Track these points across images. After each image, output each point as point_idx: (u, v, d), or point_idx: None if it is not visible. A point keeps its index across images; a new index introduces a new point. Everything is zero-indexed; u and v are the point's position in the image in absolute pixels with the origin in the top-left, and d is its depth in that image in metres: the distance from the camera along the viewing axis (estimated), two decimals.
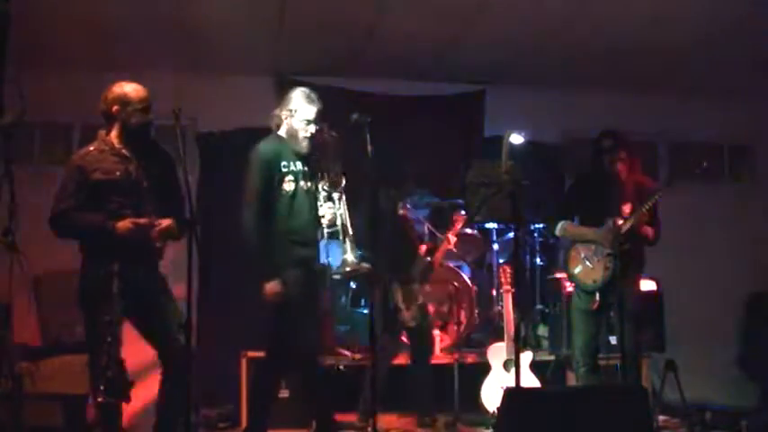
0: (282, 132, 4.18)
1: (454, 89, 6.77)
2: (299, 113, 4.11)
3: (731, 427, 5.01)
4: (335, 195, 4.06)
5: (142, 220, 3.62)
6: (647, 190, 4.47)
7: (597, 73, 6.47)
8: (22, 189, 3.78)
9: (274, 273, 3.98)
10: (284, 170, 4.07)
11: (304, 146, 4.13)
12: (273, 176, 4.05)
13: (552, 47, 5.93)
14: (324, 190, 4.09)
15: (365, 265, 4.07)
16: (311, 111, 4.11)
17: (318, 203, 4.10)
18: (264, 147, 4.14)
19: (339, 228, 4.01)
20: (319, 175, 4.12)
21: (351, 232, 4.00)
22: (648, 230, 4.41)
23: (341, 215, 4.03)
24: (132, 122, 3.71)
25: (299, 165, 4.12)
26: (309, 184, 4.13)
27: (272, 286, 3.97)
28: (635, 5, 5.19)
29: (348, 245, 3.99)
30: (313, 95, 4.15)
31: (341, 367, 5.27)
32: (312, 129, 4.11)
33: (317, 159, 4.13)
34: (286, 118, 4.15)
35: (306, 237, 4.10)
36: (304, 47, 5.93)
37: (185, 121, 5.71)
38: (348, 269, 4.01)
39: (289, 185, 4.06)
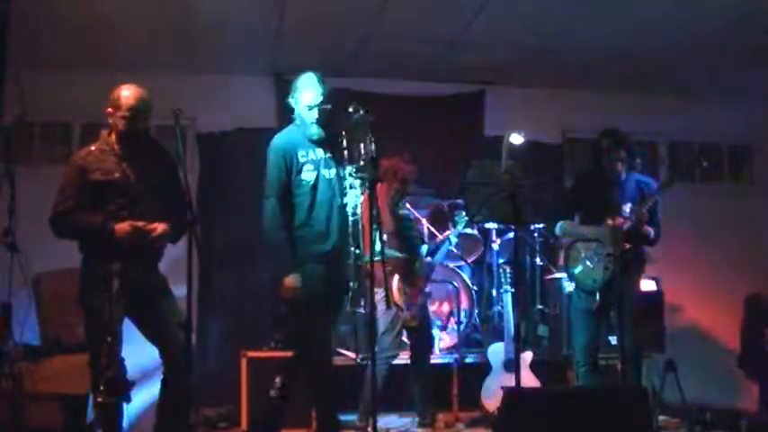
0: (297, 121, 4.07)
1: (454, 89, 6.78)
2: (301, 99, 3.98)
3: (731, 427, 5.00)
4: (358, 182, 3.87)
5: (140, 223, 3.61)
6: (647, 189, 4.47)
7: (597, 73, 6.48)
8: (22, 189, 3.80)
9: (294, 267, 3.86)
10: (302, 160, 3.94)
11: (314, 132, 3.96)
12: (291, 168, 3.92)
13: (552, 47, 5.93)
14: (351, 176, 3.90)
15: (399, 255, 3.97)
16: (312, 95, 3.95)
17: (345, 190, 3.93)
18: (278, 139, 4.02)
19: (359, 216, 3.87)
20: (345, 160, 3.93)
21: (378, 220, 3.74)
22: (649, 230, 4.41)
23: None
24: (120, 129, 3.71)
25: (320, 152, 3.98)
26: (333, 171, 3.98)
27: (290, 280, 3.85)
28: (635, 6, 5.18)
29: (375, 234, 3.80)
30: (315, 78, 3.97)
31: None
32: (316, 113, 3.94)
33: (340, 144, 3.93)
34: (293, 105, 4.03)
35: (329, 228, 3.95)
36: (304, 47, 5.93)
37: (185, 121, 5.73)
38: (376, 258, 3.82)
39: (309, 175, 3.93)
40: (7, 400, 4.02)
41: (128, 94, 3.69)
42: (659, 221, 4.50)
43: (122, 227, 3.58)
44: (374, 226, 3.73)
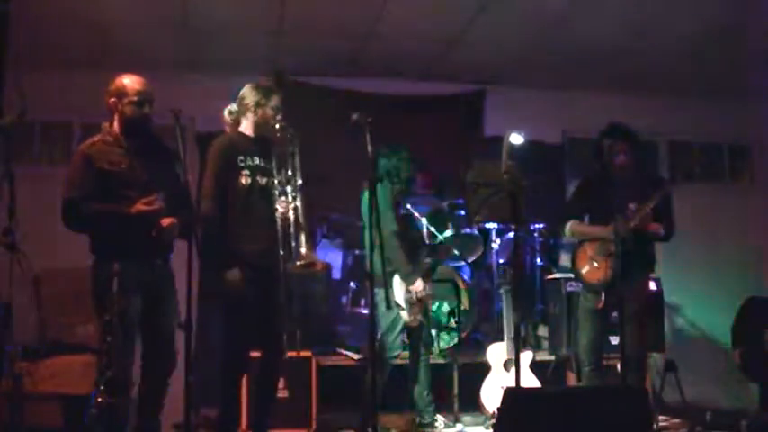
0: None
1: (454, 89, 6.78)
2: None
3: (731, 427, 5.00)
4: (289, 189, 4.00)
5: (152, 197, 3.60)
6: (653, 188, 4.45)
7: (597, 73, 6.48)
8: (22, 189, 3.79)
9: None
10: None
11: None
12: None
13: (552, 47, 5.93)
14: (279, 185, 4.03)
15: (319, 260, 4.02)
16: None
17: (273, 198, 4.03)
18: None
19: (292, 221, 3.95)
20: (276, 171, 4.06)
21: (304, 226, 3.91)
22: (654, 227, 4.38)
23: (294, 208, 3.97)
24: (127, 115, 3.70)
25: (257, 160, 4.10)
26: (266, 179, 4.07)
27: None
28: (635, 5, 5.18)
29: (302, 238, 3.91)
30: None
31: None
32: None
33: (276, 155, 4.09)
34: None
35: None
36: (304, 47, 5.93)
37: (185, 121, 5.71)
38: (301, 263, 3.90)
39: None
40: (7, 400, 4.02)
41: (131, 80, 3.73)
42: (671, 216, 4.47)
43: (137, 207, 3.58)
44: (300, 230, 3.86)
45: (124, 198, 3.61)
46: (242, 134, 4.11)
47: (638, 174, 4.51)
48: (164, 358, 3.73)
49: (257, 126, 4.09)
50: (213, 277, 3.95)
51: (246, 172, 3.97)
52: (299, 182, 4.00)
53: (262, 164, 4.03)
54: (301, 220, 3.95)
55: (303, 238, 3.92)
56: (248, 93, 4.10)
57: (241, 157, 3.99)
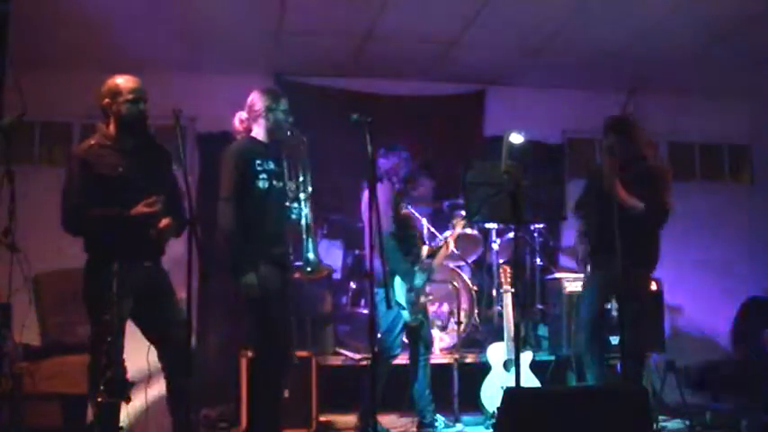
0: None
1: (454, 89, 6.78)
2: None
3: (731, 427, 5.00)
4: (302, 196, 4.05)
5: (153, 200, 3.61)
6: (657, 172, 4.46)
7: (597, 73, 6.47)
8: (22, 189, 3.79)
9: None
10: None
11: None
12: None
13: (552, 47, 5.93)
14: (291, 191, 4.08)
15: (326, 265, 4.05)
16: None
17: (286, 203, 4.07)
18: None
19: (303, 227, 3.99)
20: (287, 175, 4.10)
21: (313, 232, 4.00)
22: (624, 195, 4.35)
23: (305, 215, 4.02)
24: (123, 114, 3.69)
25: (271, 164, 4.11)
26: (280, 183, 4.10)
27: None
28: (635, 5, 5.18)
29: (311, 244, 3.98)
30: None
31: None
32: None
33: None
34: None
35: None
36: (304, 47, 5.93)
37: (185, 121, 5.73)
38: (309, 269, 3.99)
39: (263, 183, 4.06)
40: (7, 400, 4.02)
41: (124, 79, 3.73)
42: (656, 192, 4.44)
43: (136, 209, 3.58)
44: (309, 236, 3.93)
45: (122, 201, 3.61)
46: (255, 139, 4.12)
47: (642, 162, 4.48)
48: (178, 360, 3.70)
49: (270, 131, 4.09)
50: (228, 281, 3.97)
51: (264, 176, 3.99)
52: (310, 188, 4.04)
53: (276, 168, 4.05)
54: (311, 226, 4.00)
55: (312, 244, 3.98)
56: (257, 99, 4.11)
57: (258, 161, 4.00)
